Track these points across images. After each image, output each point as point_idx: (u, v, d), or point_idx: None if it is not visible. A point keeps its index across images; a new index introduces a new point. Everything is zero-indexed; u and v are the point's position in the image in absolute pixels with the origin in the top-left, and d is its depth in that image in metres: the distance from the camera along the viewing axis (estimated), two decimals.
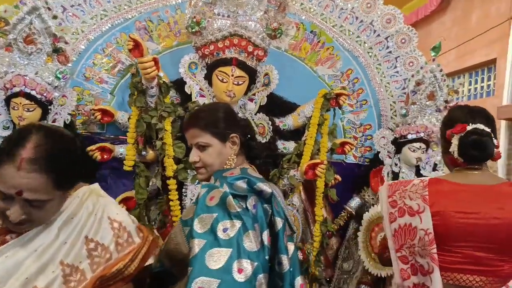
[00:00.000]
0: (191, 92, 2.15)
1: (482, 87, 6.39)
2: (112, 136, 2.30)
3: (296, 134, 2.53)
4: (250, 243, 1.00)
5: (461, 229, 1.26)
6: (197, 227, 1.03)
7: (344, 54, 2.79)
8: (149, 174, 2.01)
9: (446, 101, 2.57)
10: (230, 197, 1.05)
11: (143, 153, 2.12)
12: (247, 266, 0.98)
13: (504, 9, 5.71)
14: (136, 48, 1.89)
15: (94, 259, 1.02)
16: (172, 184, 2.00)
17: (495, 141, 1.32)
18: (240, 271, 0.96)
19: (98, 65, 2.35)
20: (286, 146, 2.46)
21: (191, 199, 2.03)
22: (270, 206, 1.10)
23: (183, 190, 2.08)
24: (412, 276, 1.32)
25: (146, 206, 2.00)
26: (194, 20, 1.99)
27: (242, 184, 1.09)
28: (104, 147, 2.09)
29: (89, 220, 1.05)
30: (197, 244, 1.00)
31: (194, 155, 1.24)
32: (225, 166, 1.23)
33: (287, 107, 2.51)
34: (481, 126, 1.30)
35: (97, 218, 1.06)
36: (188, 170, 2.05)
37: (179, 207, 2.02)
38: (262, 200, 1.09)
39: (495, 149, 1.32)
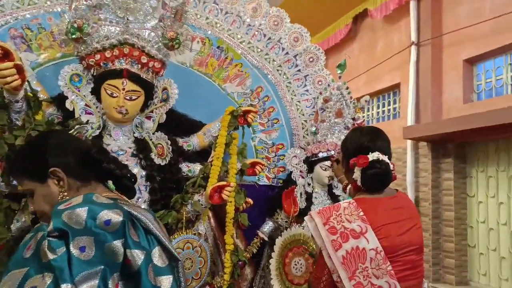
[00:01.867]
0: (74, 108, 1.85)
1: (389, 110, 6.81)
2: None
3: (204, 155, 2.32)
4: None
5: (398, 239, 1.30)
6: None
7: (253, 71, 2.69)
8: (16, 208, 1.64)
9: (353, 119, 2.57)
10: (46, 241, 0.80)
11: (14, 182, 1.75)
12: None
13: (405, 38, 6.21)
14: (6, 57, 1.57)
15: None
16: None
17: (391, 166, 1.42)
18: None
19: None
20: (192, 169, 2.23)
21: None
22: (122, 240, 0.85)
23: None
24: None
25: (11, 248, 1.62)
26: (75, 25, 1.73)
27: (81, 213, 0.83)
28: None
29: None
30: None
31: (30, 204, 1.07)
32: None
33: (192, 126, 2.30)
34: (380, 156, 1.38)
35: None
36: None
37: None
38: (106, 236, 0.84)
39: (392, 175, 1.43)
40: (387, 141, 1.47)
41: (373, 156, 1.38)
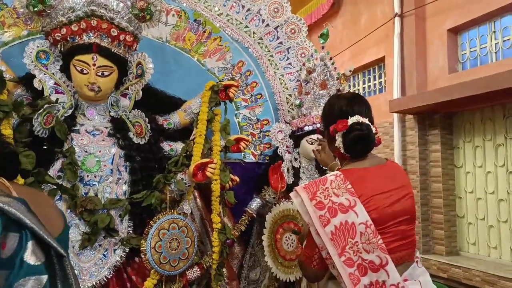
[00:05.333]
0: (42, 87, 1.74)
1: (374, 85, 6.76)
2: None
3: (186, 133, 2.24)
4: None
5: (388, 210, 1.26)
6: None
7: (233, 45, 2.59)
8: None
9: (338, 90, 2.49)
10: None
11: None
12: None
13: (388, 11, 6.11)
14: None
15: None
16: None
17: (373, 128, 1.35)
18: None
19: None
20: (174, 148, 2.15)
21: None
22: None
23: None
24: (362, 277, 1.18)
25: None
26: None
27: None
28: None
29: None
30: None
31: None
32: None
33: (172, 104, 2.21)
34: (360, 119, 1.33)
35: None
36: (43, 185, 1.63)
37: None
38: None
39: (375, 137, 1.37)
40: (367, 105, 1.41)
41: (352, 119, 1.33)
